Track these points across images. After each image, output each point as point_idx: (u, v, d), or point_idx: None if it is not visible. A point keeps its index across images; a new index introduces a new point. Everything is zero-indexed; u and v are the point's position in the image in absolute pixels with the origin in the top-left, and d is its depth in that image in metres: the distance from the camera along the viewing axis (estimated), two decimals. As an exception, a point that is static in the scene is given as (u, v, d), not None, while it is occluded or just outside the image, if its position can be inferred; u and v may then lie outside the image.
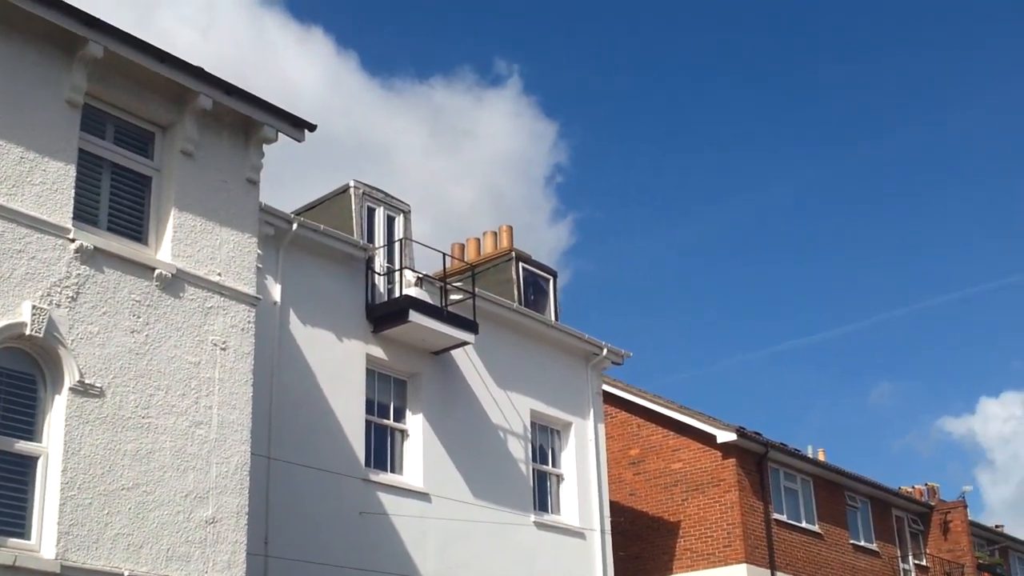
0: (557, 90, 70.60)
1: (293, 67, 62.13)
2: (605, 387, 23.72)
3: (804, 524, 26.61)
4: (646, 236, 69.76)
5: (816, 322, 67.75)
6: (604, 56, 69.48)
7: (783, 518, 25.90)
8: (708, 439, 25.10)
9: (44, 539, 10.84)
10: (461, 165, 66.17)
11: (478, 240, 24.03)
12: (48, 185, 11.59)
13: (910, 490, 33.13)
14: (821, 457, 30.81)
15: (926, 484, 33.96)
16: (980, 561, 32.13)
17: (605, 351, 22.08)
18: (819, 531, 26.98)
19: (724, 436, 24.80)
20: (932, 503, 32.44)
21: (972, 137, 67.05)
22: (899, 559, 29.89)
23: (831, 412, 68.63)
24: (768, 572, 24.63)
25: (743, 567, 24.07)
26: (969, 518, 32.10)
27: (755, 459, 25.53)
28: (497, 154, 67.27)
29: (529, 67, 68.77)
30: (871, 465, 72.05)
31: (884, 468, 72.34)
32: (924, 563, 30.92)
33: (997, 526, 36.75)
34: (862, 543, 28.58)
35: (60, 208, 11.64)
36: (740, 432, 24.80)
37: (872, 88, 66.53)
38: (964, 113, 64.30)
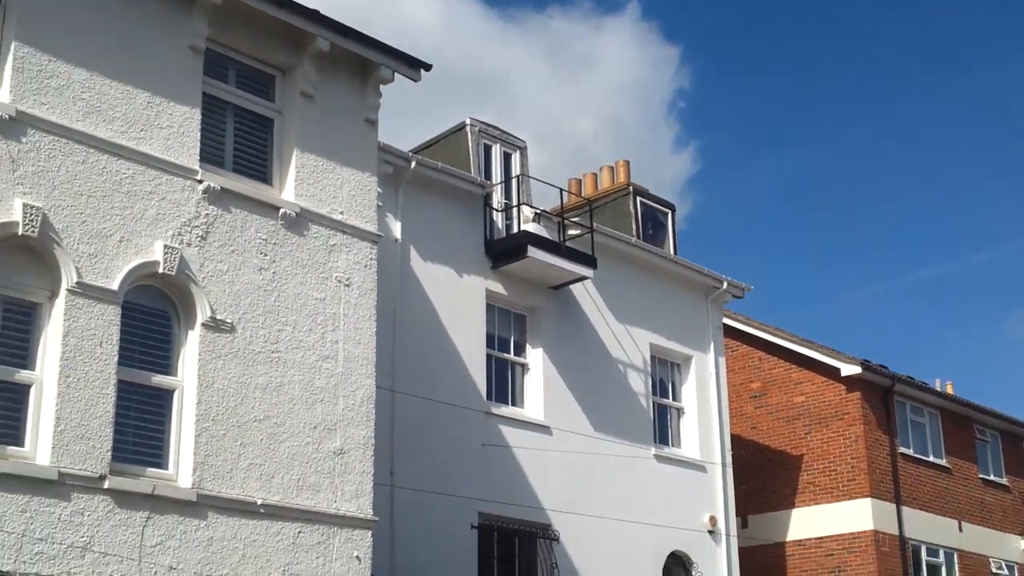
0: (677, 13, 68.98)
1: (411, 0, 62.16)
2: (726, 320, 23.59)
3: (931, 458, 26.20)
4: (770, 163, 67.82)
5: (946, 252, 65.40)
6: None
7: (910, 452, 25.52)
8: (832, 372, 24.80)
9: (181, 469, 11.29)
10: (581, 94, 65.32)
11: (595, 175, 24.05)
12: (175, 128, 11.95)
13: (1044, 423, 32.30)
14: (949, 390, 30.21)
15: (1060, 417, 33.07)
16: (1115, 496, 31.23)
17: (725, 284, 21.96)
18: (947, 465, 26.54)
19: (848, 369, 24.48)
20: (1066, 437, 31.59)
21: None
22: (1031, 494, 29.27)
23: (963, 344, 66.36)
24: (894, 506, 24.37)
25: (868, 501, 23.85)
26: (1104, 452, 31.18)
27: (880, 392, 25.16)
28: (618, 82, 66.21)
29: (646, -9, 67.40)
30: (1005, 398, 69.69)
31: (1020, 401, 69.98)
32: (1057, 498, 30.21)
33: None
34: (992, 477, 28.03)
35: (187, 150, 12.00)
36: (865, 365, 24.45)
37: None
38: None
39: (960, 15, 63.25)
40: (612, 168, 23.73)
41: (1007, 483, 28.51)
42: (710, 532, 20.69)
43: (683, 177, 65.91)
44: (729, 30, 67.11)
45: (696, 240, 62.90)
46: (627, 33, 68.00)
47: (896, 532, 24.23)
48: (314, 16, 12.99)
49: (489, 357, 18.13)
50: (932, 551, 25.35)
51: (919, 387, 26.37)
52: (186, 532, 11.06)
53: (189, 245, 11.75)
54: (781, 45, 66.29)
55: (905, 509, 24.63)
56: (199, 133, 12.16)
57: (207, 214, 11.97)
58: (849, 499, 24.12)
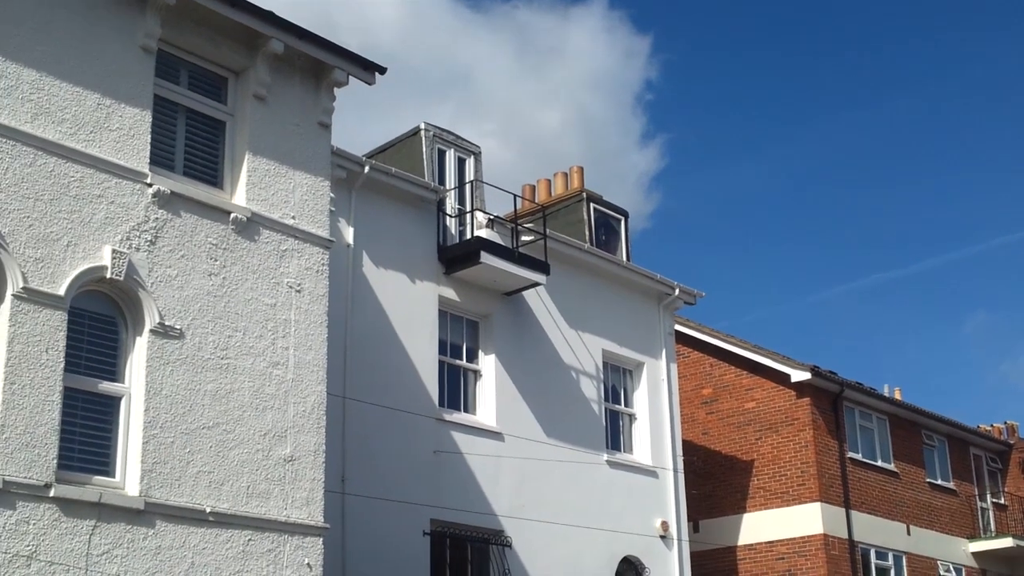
0: (648, 1, 67.70)
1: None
2: (677, 327, 23.68)
3: (880, 463, 26.48)
4: (734, 161, 67.13)
5: (902, 255, 65.29)
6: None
7: (858, 457, 25.78)
8: (782, 378, 25.00)
9: (128, 477, 11.11)
10: (548, 86, 64.28)
11: (549, 181, 24.12)
12: (125, 131, 11.78)
13: (989, 428, 32.72)
14: (898, 396, 30.54)
15: (1005, 423, 33.54)
16: (1059, 499, 31.73)
17: (677, 291, 22.03)
18: (895, 470, 26.83)
19: (798, 375, 24.69)
20: (1011, 441, 32.04)
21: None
22: (976, 497, 29.65)
23: (917, 348, 66.72)
24: (843, 511, 24.60)
25: (817, 505, 24.06)
26: (1049, 457, 31.71)
27: (830, 398, 25.40)
28: (585, 73, 64.99)
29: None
30: (959, 401, 69.83)
31: (973, 404, 70.09)
32: (1002, 501, 30.63)
33: (1078, 464, 36.18)
34: (939, 482, 28.38)
35: (137, 153, 11.83)
36: (815, 371, 24.66)
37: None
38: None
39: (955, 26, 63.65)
40: (567, 174, 23.79)
41: (954, 487, 28.87)
42: (662, 537, 20.74)
43: (650, 172, 65.62)
44: (704, 19, 66.32)
45: (657, 239, 62.89)
46: (595, 22, 67.48)
47: (845, 536, 24.47)
48: (268, 17, 12.85)
49: (441, 363, 18.05)
50: (881, 554, 25.62)
51: (868, 393, 26.63)
52: (134, 541, 10.87)
53: (138, 250, 11.58)
54: (760, 37, 65.60)
55: (854, 513, 24.88)
56: (149, 136, 11.98)
57: (156, 218, 11.80)
58: (799, 503, 24.31)
